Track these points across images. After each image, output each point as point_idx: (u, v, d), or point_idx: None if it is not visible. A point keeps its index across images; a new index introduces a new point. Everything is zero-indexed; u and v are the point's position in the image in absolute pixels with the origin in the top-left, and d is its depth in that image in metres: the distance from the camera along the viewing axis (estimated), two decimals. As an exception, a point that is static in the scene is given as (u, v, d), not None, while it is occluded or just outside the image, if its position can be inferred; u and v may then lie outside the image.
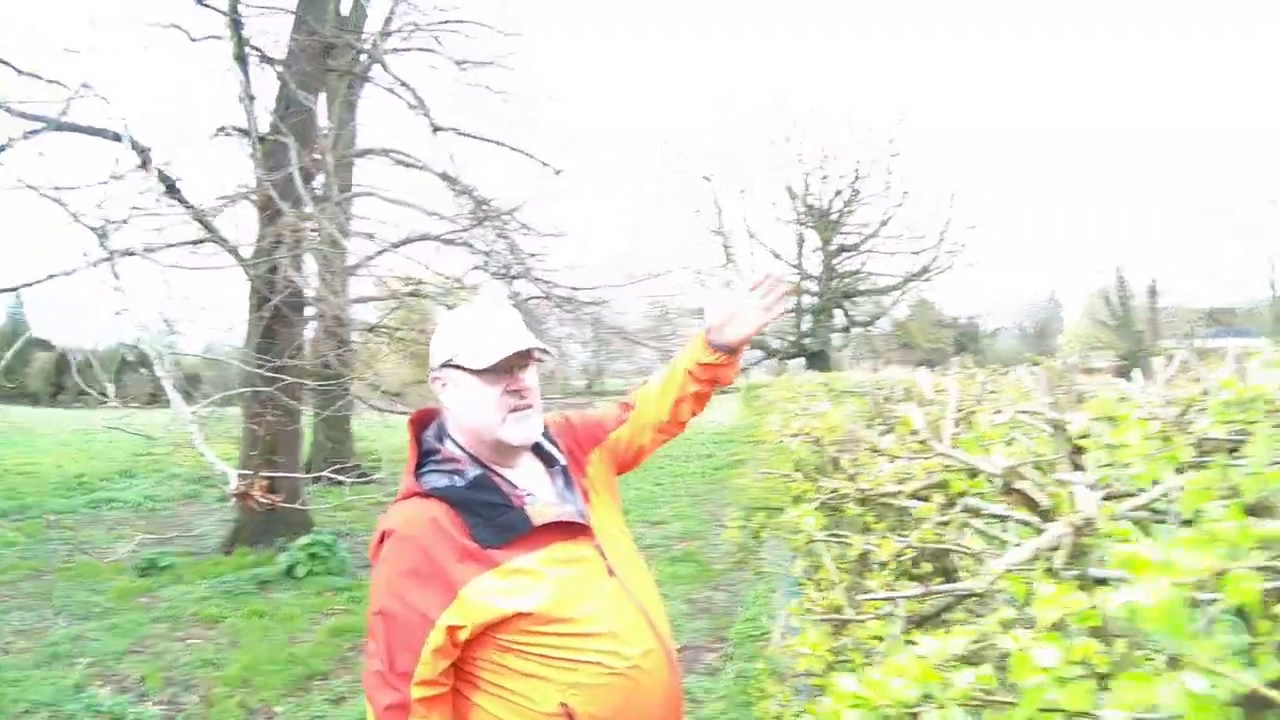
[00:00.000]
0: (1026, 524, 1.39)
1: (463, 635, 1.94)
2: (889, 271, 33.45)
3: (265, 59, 10.76)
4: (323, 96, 11.61)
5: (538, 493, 2.19)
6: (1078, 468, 1.36)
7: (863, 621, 1.59)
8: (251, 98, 9.19)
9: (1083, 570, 1.10)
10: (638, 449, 2.60)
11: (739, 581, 8.88)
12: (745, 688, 5.68)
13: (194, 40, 10.03)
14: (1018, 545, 1.24)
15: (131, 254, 7.15)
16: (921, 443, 1.73)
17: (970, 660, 0.95)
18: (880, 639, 1.48)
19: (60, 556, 11.25)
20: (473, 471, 2.11)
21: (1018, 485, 1.41)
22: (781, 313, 2.52)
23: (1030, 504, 1.40)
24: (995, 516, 1.50)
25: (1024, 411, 1.71)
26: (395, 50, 13.00)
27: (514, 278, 10.58)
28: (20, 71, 6.96)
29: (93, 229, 6.31)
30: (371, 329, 10.64)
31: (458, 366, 2.14)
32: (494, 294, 10.79)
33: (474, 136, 12.60)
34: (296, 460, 11.50)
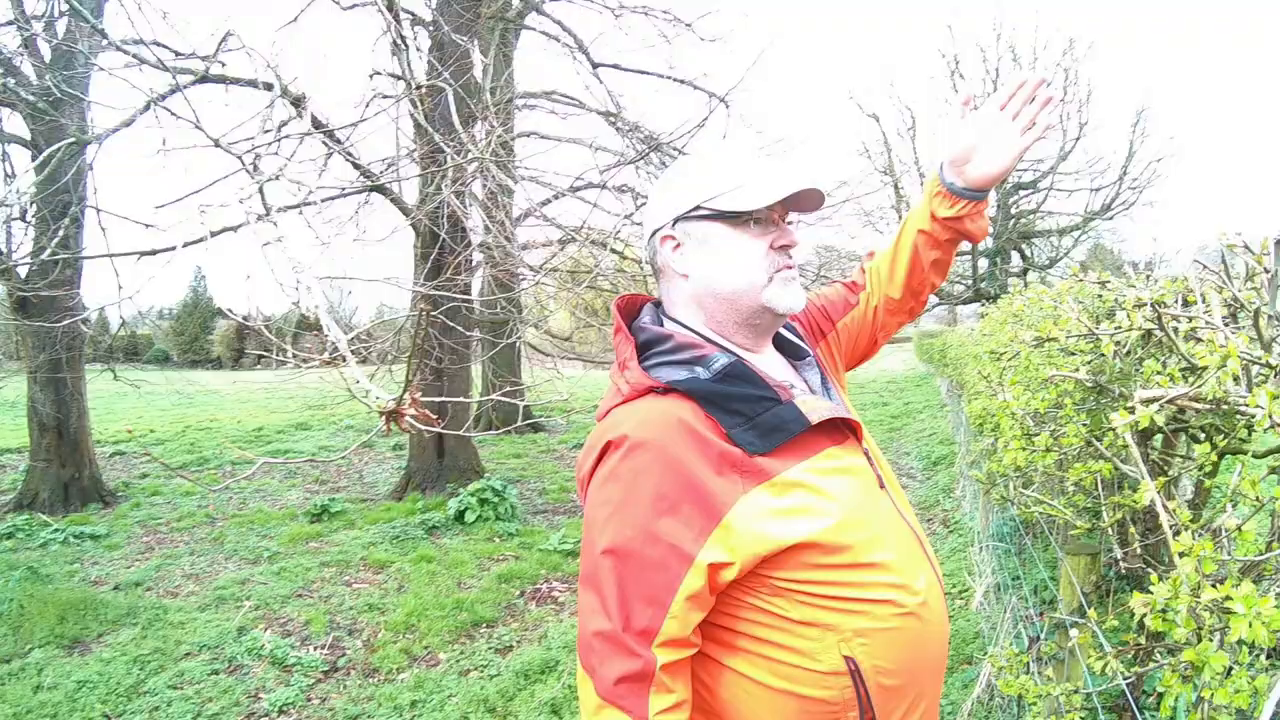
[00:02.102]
0: None
1: (728, 575, 1.43)
2: (1068, 210, 31.74)
3: (417, 21, 10.63)
4: (477, 47, 11.41)
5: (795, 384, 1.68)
6: None
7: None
8: (403, 39, 8.94)
9: None
10: (871, 336, 2.10)
11: (929, 534, 8.35)
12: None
13: (344, 8, 9.87)
14: None
15: (294, 208, 6.99)
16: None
17: None
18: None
19: (235, 504, 11.47)
20: (720, 358, 1.56)
21: None
22: (1044, 133, 1.79)
23: None
24: None
25: None
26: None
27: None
28: (177, 53, 6.82)
29: (250, 172, 6.10)
30: (538, 270, 10.38)
31: (709, 215, 1.64)
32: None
33: (636, 71, 12.14)
34: (466, 395, 11.46)
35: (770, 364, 1.71)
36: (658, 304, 1.79)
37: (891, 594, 1.50)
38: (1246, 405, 1.22)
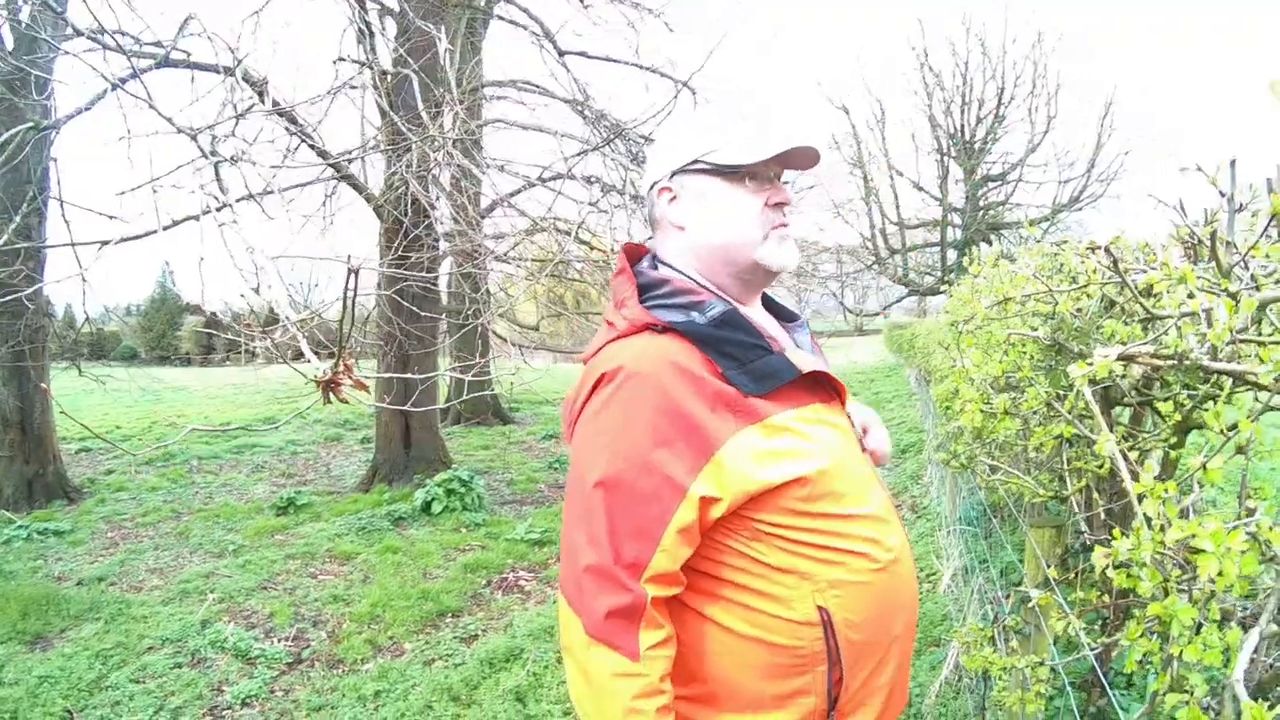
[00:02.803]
0: None
1: (716, 512, 1.44)
2: (1036, 203, 31.87)
3: (384, 10, 10.57)
4: (443, 32, 11.33)
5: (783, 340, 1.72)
6: None
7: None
8: (368, 25, 8.85)
9: None
10: None
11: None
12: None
13: (311, -1, 9.82)
14: None
15: (256, 196, 6.90)
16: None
17: None
18: None
19: (201, 499, 11.35)
20: (717, 305, 1.58)
21: None
22: None
23: None
24: None
25: None
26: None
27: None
28: (140, 42, 6.70)
29: (206, 152, 5.99)
30: (500, 256, 10.31)
31: (707, 169, 1.67)
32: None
33: (602, 58, 12.11)
34: (431, 383, 11.39)
35: (760, 318, 1.73)
36: (653, 256, 1.80)
37: (867, 547, 1.53)
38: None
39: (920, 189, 31.81)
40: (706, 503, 1.42)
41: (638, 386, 1.45)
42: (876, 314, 44.45)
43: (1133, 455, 2.20)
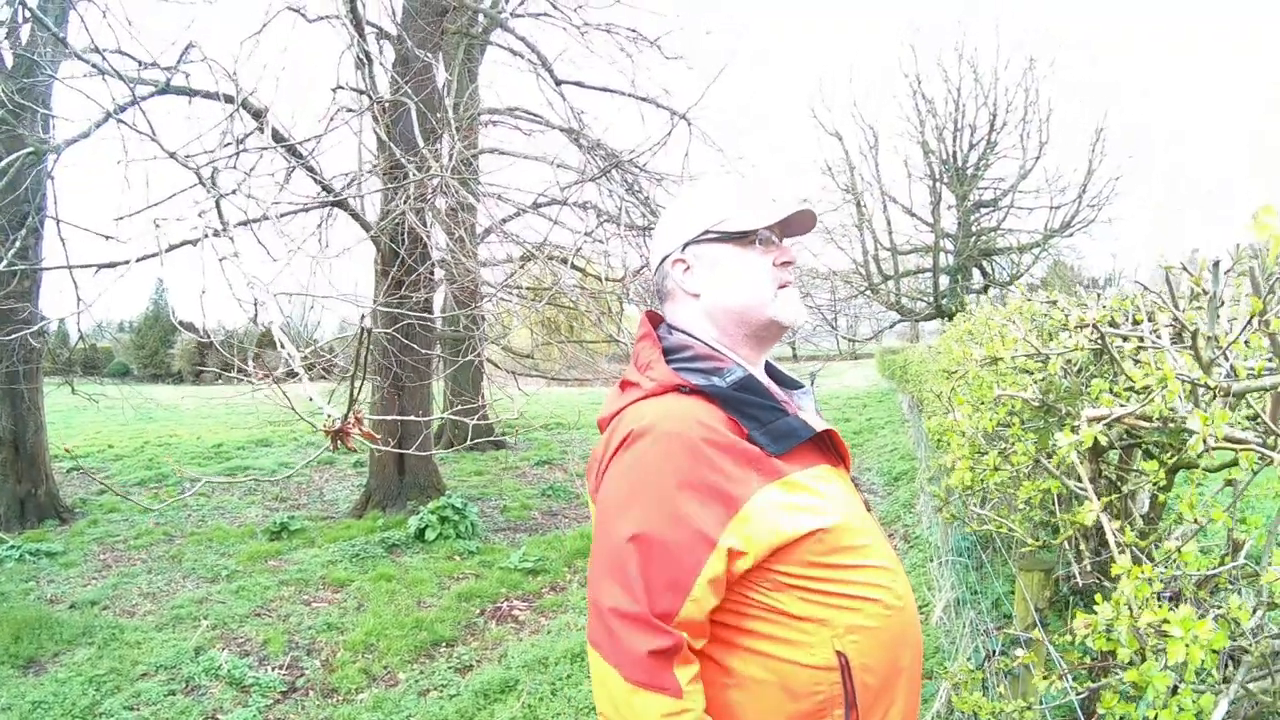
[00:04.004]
0: None
1: (742, 565, 1.49)
2: (1028, 228, 31.92)
3: (382, 35, 10.59)
4: (440, 62, 11.38)
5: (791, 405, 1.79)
6: None
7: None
8: (366, 53, 8.90)
9: None
10: None
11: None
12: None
13: (309, 21, 9.85)
14: None
15: (253, 222, 6.93)
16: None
17: None
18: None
19: (193, 522, 11.31)
20: (737, 371, 1.66)
21: None
22: None
23: None
24: None
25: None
26: (514, 15, 12.72)
27: (646, 229, 10.07)
28: (141, 63, 6.74)
29: (207, 186, 6.03)
30: (497, 287, 10.33)
31: (718, 237, 1.78)
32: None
33: (598, 88, 12.17)
34: (425, 412, 11.37)
35: (767, 383, 1.80)
36: (665, 324, 1.88)
37: (880, 594, 1.57)
38: (1188, 424, 1.23)
39: (913, 215, 31.91)
40: (733, 555, 1.47)
41: (668, 443, 1.50)
42: (869, 339, 44.61)
43: (1113, 496, 2.25)
